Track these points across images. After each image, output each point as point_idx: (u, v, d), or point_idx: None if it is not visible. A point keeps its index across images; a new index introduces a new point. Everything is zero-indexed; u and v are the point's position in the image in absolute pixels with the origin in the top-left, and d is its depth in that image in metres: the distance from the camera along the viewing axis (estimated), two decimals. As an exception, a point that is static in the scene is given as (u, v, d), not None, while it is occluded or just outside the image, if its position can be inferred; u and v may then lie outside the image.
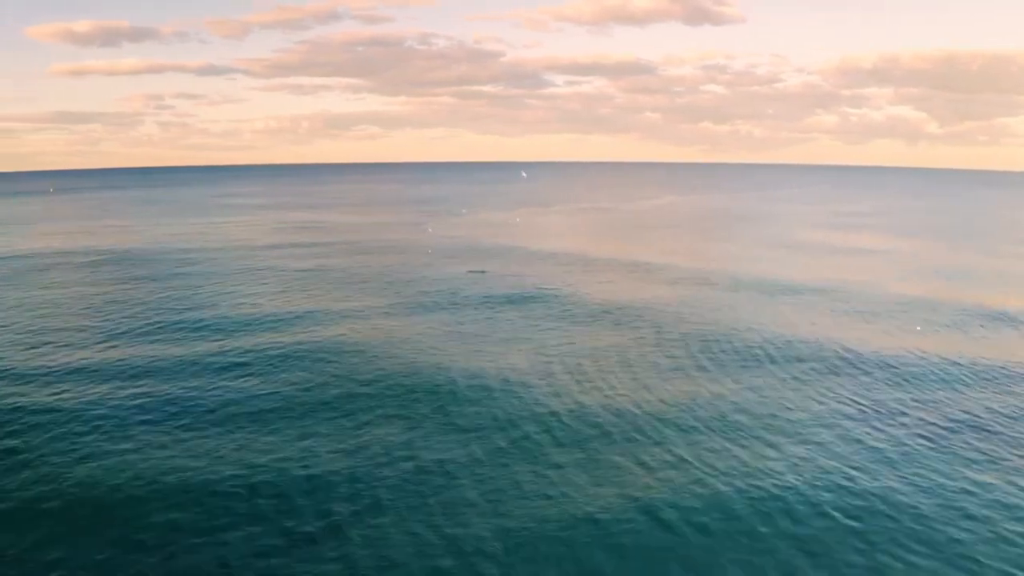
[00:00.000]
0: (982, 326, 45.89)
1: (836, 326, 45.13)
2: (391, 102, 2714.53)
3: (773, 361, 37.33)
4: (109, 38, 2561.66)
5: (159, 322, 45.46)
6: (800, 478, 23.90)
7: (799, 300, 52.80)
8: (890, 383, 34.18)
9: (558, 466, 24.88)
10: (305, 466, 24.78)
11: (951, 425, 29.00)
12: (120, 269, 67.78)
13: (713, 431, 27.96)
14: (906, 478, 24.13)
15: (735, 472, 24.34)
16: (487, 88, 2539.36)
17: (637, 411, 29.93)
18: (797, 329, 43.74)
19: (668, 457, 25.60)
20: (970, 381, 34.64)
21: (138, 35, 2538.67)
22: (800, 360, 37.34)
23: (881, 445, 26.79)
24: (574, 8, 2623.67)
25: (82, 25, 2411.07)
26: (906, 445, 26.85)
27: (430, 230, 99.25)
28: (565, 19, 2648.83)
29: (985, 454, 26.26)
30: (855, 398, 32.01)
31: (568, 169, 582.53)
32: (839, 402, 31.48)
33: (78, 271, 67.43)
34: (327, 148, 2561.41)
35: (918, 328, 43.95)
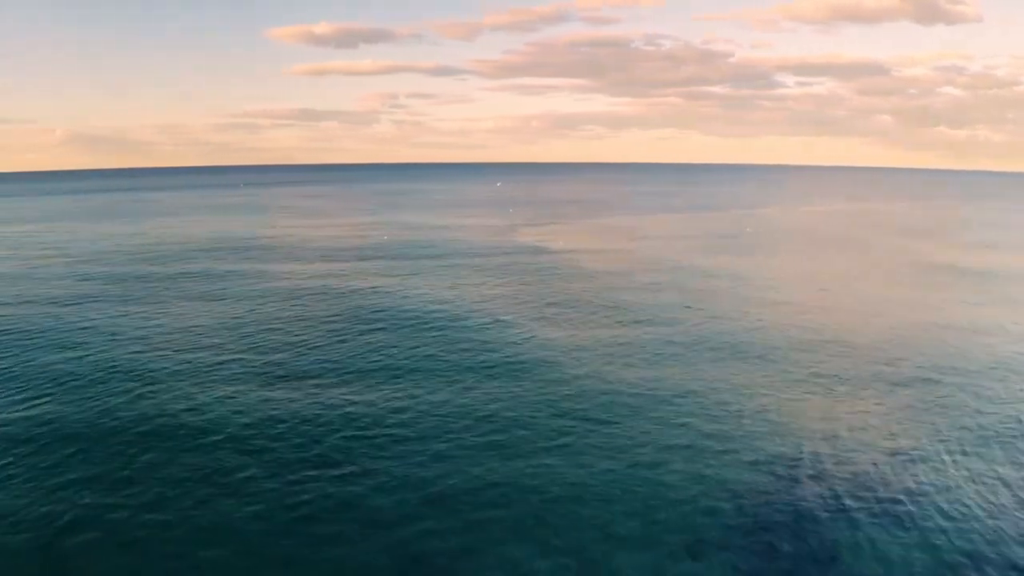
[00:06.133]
0: None
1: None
2: (617, 103, 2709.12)
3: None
4: (347, 39, 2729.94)
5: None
6: None
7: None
8: None
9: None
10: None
11: None
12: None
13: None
14: None
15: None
16: (715, 89, 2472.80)
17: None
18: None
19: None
20: None
21: (374, 36, 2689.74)
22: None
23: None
24: (803, 7, 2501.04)
25: (321, 27, 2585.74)
26: None
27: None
28: (795, 18, 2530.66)
29: None
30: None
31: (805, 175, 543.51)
32: None
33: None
34: (555, 147, 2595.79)
35: None
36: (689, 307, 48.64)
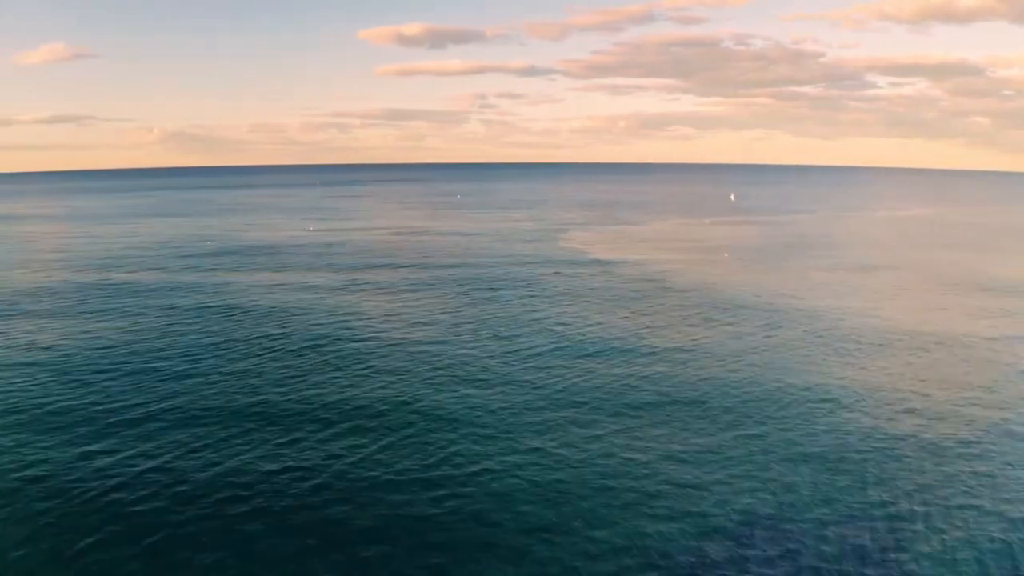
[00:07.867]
0: None
1: None
2: (705, 103, 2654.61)
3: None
4: (436, 40, 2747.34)
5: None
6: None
7: None
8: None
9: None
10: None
11: None
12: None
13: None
14: None
15: None
16: (806, 89, 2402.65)
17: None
18: None
19: None
20: None
21: (463, 37, 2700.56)
22: None
23: None
24: (894, 6, 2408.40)
25: (411, 28, 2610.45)
26: None
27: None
28: (885, 17, 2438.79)
29: None
30: None
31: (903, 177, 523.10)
32: None
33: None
34: (642, 148, 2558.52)
35: None
36: (711, 318, 46.59)
